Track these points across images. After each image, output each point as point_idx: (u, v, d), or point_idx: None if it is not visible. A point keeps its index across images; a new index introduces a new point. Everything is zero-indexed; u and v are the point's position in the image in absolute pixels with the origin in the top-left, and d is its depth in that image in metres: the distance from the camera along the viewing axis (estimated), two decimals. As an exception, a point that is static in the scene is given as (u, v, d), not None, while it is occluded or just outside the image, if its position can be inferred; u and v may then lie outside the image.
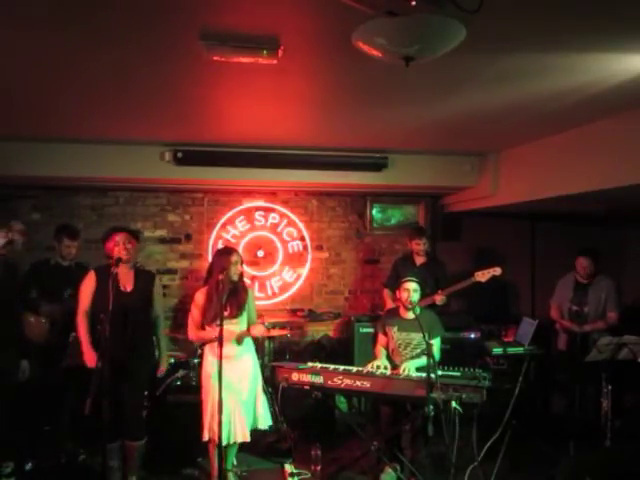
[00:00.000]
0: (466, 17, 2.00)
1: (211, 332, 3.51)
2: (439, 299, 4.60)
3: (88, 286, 3.62)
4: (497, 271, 4.43)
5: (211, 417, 3.51)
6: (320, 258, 6.18)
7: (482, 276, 4.46)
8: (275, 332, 5.08)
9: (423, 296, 4.18)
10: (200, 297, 3.62)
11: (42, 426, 4.09)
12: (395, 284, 4.44)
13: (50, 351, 4.01)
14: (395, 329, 4.06)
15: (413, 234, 5.13)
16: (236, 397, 3.53)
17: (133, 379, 3.64)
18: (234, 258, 3.59)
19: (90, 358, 3.49)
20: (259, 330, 3.63)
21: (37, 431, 4.01)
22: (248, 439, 3.59)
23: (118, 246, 3.58)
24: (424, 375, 3.46)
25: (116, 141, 4.73)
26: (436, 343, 3.94)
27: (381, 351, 4.12)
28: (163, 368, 3.91)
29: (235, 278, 3.58)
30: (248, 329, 3.64)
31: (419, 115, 3.80)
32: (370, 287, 6.25)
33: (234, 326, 3.58)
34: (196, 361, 4.46)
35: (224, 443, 3.42)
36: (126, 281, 3.65)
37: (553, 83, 3.04)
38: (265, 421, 3.71)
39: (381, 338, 4.18)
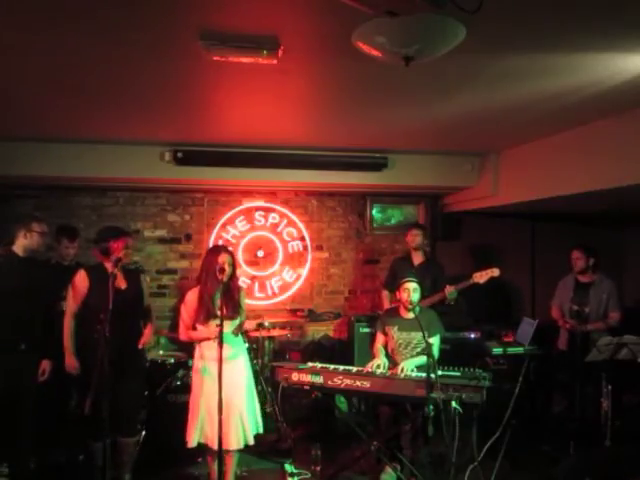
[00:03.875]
0: (466, 17, 2.00)
1: (202, 331, 3.49)
2: (449, 291, 4.52)
3: (81, 286, 3.57)
4: (495, 272, 4.44)
5: (202, 421, 3.45)
6: (320, 258, 6.18)
7: (480, 277, 4.47)
8: (275, 332, 5.08)
9: (422, 296, 4.17)
10: (192, 297, 3.55)
11: (42, 426, 4.08)
12: (393, 284, 4.43)
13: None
14: (395, 329, 4.06)
15: (409, 226, 5.19)
16: (229, 401, 3.40)
17: (132, 376, 3.67)
18: (222, 258, 3.48)
19: (71, 363, 3.54)
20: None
21: (37, 431, 4.00)
22: (241, 446, 3.46)
23: (126, 250, 3.63)
24: (424, 375, 3.46)
25: (116, 141, 4.73)
26: (435, 341, 3.95)
27: (380, 350, 4.12)
28: (146, 340, 3.76)
29: (224, 279, 3.43)
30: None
31: (419, 115, 3.80)
32: (370, 287, 6.25)
33: (229, 327, 3.50)
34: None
35: (217, 447, 3.34)
36: (120, 280, 3.65)
37: (553, 83, 3.05)
38: (260, 427, 3.63)
39: (380, 337, 4.18)
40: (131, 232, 3.97)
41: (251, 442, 3.53)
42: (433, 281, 4.80)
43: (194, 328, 3.55)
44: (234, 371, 3.51)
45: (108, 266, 3.56)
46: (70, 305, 3.62)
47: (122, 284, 3.65)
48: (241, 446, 3.48)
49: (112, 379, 3.29)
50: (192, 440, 3.46)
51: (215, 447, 3.32)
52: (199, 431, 3.45)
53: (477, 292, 4.70)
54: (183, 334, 3.60)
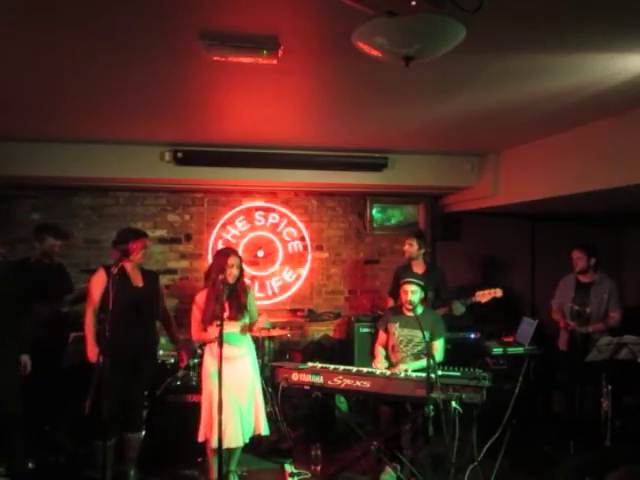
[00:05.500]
0: (466, 17, 2.00)
1: (211, 333, 3.52)
2: (455, 306, 4.46)
3: (99, 284, 3.65)
4: (498, 293, 4.36)
5: (207, 418, 3.53)
6: (320, 258, 6.18)
7: (482, 297, 4.36)
8: (275, 332, 5.08)
9: (425, 297, 4.16)
10: (200, 298, 3.65)
11: (42, 426, 4.09)
12: (397, 292, 4.41)
13: (45, 351, 4.00)
14: (397, 325, 4.06)
15: (406, 234, 5.02)
16: (234, 400, 3.51)
17: (143, 372, 3.78)
18: (231, 260, 3.58)
19: (93, 353, 3.58)
20: (262, 321, 3.70)
21: (37, 431, 4.01)
22: (241, 444, 3.56)
23: (143, 250, 3.78)
24: (424, 375, 3.46)
25: (116, 141, 4.73)
26: (440, 344, 3.95)
27: (380, 351, 4.12)
28: (185, 359, 4.10)
29: (231, 280, 3.55)
30: (251, 325, 3.69)
31: (419, 115, 3.80)
32: (370, 287, 6.25)
33: (234, 328, 3.59)
34: (196, 361, 4.45)
35: (217, 446, 3.39)
36: (136, 278, 3.78)
37: (553, 83, 3.04)
38: (264, 428, 3.70)
39: (381, 336, 4.18)
40: (148, 234, 4.01)
41: (246, 441, 3.60)
42: (435, 291, 4.67)
43: (204, 329, 3.60)
44: (241, 369, 3.60)
45: (127, 266, 3.68)
46: (91, 300, 3.67)
47: (139, 282, 3.79)
48: (240, 444, 3.55)
49: (125, 376, 3.51)
50: (200, 436, 3.53)
51: (228, 445, 3.46)
52: (205, 427, 3.53)
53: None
54: (195, 334, 3.67)
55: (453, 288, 4.90)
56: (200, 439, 3.56)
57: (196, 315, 3.65)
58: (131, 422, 3.73)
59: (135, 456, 3.78)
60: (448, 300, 4.56)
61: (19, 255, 4.76)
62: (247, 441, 3.62)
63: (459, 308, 4.47)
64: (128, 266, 3.71)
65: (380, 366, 3.95)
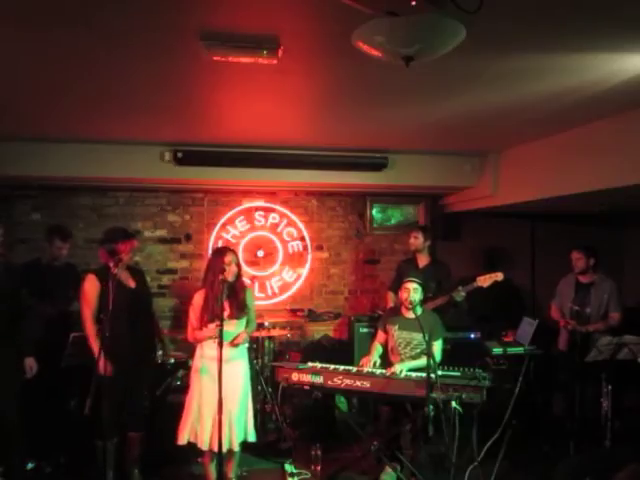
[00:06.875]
0: (466, 17, 2.00)
1: (205, 331, 3.48)
2: (457, 292, 4.45)
3: (93, 289, 3.60)
4: (499, 277, 4.38)
5: (187, 419, 3.48)
6: (320, 258, 6.18)
7: (484, 281, 4.40)
8: (275, 332, 5.08)
9: (426, 298, 4.16)
10: (198, 298, 3.57)
11: (42, 426, 4.08)
12: (398, 287, 4.42)
13: (48, 351, 3.99)
14: (396, 327, 4.06)
15: (411, 228, 5.12)
16: (223, 403, 3.35)
17: (142, 372, 3.78)
18: (228, 258, 3.53)
19: (105, 366, 3.43)
20: (241, 337, 3.55)
21: (37, 431, 4.00)
22: (236, 448, 3.48)
23: (132, 252, 3.77)
24: (424, 375, 3.46)
25: (116, 141, 4.73)
26: (437, 346, 3.92)
27: (375, 348, 4.13)
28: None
29: (230, 279, 3.51)
30: (234, 339, 3.53)
31: (419, 115, 3.80)
32: (370, 287, 6.26)
33: (234, 327, 3.54)
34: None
35: (206, 448, 3.38)
36: (127, 279, 3.74)
37: (553, 83, 3.05)
38: (252, 435, 3.59)
39: (380, 335, 4.18)
40: (136, 234, 4.02)
41: (236, 448, 3.50)
42: (438, 283, 4.70)
43: (200, 329, 3.55)
44: (233, 373, 3.51)
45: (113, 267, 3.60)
46: (87, 308, 3.60)
47: (131, 283, 3.75)
48: (225, 449, 3.39)
49: (126, 377, 3.53)
50: (182, 438, 3.48)
51: (203, 447, 3.42)
52: (189, 429, 3.48)
53: (477, 292, 4.68)
54: (190, 335, 3.62)
55: (456, 282, 4.89)
56: (181, 441, 3.45)
57: (190, 317, 3.58)
58: (132, 422, 3.73)
59: (138, 455, 3.78)
60: (450, 291, 4.56)
61: (18, 255, 4.77)
62: (237, 449, 3.50)
63: (460, 294, 4.47)
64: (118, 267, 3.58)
65: (371, 358, 3.93)
